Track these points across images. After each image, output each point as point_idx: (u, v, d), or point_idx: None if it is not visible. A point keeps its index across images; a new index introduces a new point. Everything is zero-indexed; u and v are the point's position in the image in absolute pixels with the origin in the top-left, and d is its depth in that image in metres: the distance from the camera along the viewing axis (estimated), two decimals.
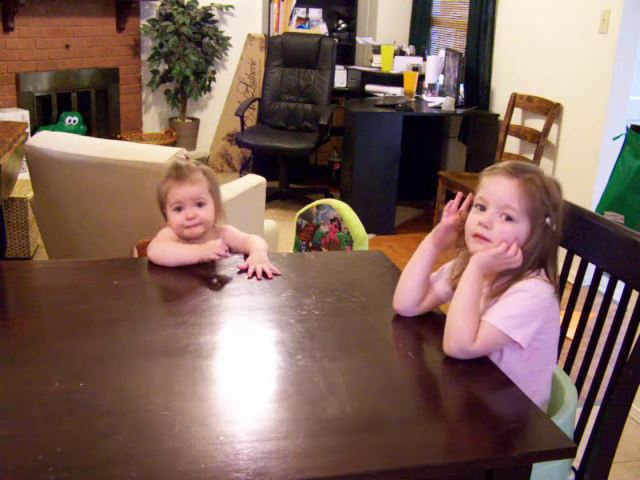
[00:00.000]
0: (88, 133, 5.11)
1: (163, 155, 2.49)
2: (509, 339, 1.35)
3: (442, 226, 1.51)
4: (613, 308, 1.53)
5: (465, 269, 1.41)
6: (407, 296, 1.53)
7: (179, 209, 1.81)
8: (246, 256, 1.82)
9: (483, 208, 1.41)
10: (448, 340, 1.37)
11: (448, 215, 1.50)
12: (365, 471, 1.05)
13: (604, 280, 1.59)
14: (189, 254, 1.76)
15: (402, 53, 5.53)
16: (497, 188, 1.40)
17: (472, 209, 1.45)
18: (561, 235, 1.42)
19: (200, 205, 1.81)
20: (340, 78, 5.73)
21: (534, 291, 1.37)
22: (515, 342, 1.35)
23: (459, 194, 1.51)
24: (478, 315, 1.38)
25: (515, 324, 1.35)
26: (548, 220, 1.39)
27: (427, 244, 1.52)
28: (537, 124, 4.20)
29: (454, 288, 1.45)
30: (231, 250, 1.82)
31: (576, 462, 1.53)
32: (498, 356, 1.40)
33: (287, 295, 1.64)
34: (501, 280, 1.43)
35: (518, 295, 1.37)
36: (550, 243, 1.41)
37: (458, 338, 1.35)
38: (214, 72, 5.82)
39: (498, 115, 4.65)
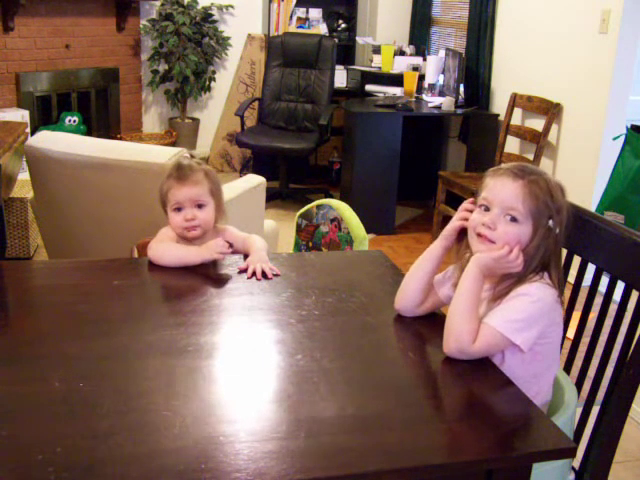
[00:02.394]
0: (88, 133, 5.11)
1: (163, 155, 2.49)
2: (509, 342, 1.35)
3: (452, 228, 1.50)
4: (613, 308, 1.53)
5: (465, 269, 1.41)
6: (410, 297, 1.52)
7: (179, 209, 1.81)
8: (246, 256, 1.82)
9: (487, 209, 1.41)
10: (447, 340, 1.36)
11: (459, 219, 1.49)
12: (365, 471, 1.05)
13: (604, 280, 1.59)
14: (190, 255, 1.76)
15: (402, 53, 5.54)
16: (502, 189, 1.39)
17: (476, 209, 1.44)
18: (564, 239, 1.42)
19: (200, 207, 1.81)
20: (340, 78, 5.73)
21: (537, 295, 1.37)
22: (516, 345, 1.35)
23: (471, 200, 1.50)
24: (477, 316, 1.38)
25: (516, 328, 1.34)
26: (551, 222, 1.38)
27: (437, 247, 1.52)
28: (537, 124, 4.20)
29: None
30: (232, 246, 1.82)
31: (576, 462, 1.53)
32: (500, 359, 1.40)
33: (287, 295, 1.64)
34: (504, 283, 1.42)
35: (520, 299, 1.37)
36: (553, 246, 1.40)
37: (457, 338, 1.35)
38: (214, 72, 5.82)
39: (498, 115, 4.65)
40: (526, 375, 1.39)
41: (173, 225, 1.82)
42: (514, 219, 1.38)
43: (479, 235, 1.41)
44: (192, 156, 1.90)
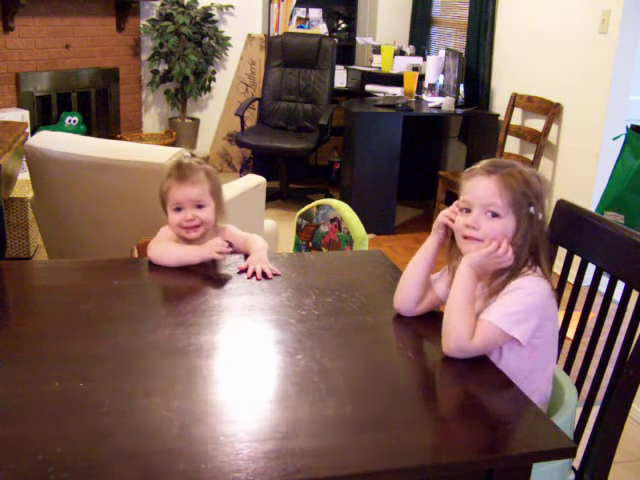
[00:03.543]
0: (88, 133, 5.11)
1: (163, 155, 2.49)
2: (508, 336, 1.36)
3: (440, 222, 1.52)
4: (613, 308, 1.53)
5: (457, 269, 1.42)
6: (408, 295, 1.53)
7: (179, 209, 1.80)
8: (246, 256, 1.82)
9: (468, 210, 1.43)
10: (447, 340, 1.37)
11: (445, 216, 1.51)
12: (365, 471, 1.05)
13: (604, 280, 1.59)
14: (190, 254, 1.75)
15: (402, 53, 5.54)
16: (478, 188, 1.41)
17: (459, 212, 1.46)
18: (547, 226, 1.44)
19: (200, 207, 1.80)
20: (340, 78, 5.73)
21: (531, 288, 1.38)
22: (514, 339, 1.36)
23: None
24: (474, 313, 1.38)
25: (513, 321, 1.35)
26: (532, 209, 1.40)
27: (430, 244, 1.53)
28: (537, 124, 4.20)
29: None
30: (232, 246, 1.81)
31: (576, 462, 1.53)
32: (497, 355, 1.40)
33: (287, 295, 1.64)
34: (498, 279, 1.43)
35: (515, 293, 1.38)
36: (539, 234, 1.42)
37: (456, 337, 1.35)
38: (214, 72, 5.82)
39: (498, 115, 4.65)
40: (524, 371, 1.40)
41: (172, 225, 1.82)
42: (495, 214, 1.40)
43: (465, 237, 1.42)
44: (193, 155, 1.89)
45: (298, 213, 2.75)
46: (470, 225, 1.41)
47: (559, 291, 1.67)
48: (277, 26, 5.85)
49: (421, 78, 5.15)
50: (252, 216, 2.95)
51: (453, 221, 1.47)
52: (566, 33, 3.98)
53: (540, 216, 1.41)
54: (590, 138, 3.79)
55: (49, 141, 2.68)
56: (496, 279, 1.43)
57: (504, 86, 4.63)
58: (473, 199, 1.41)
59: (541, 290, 1.39)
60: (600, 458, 1.46)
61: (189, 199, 1.78)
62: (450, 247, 1.52)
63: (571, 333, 1.72)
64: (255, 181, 2.96)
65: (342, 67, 5.80)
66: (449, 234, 1.52)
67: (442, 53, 5.14)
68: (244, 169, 5.84)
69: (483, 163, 1.45)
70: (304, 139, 5.05)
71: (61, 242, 2.90)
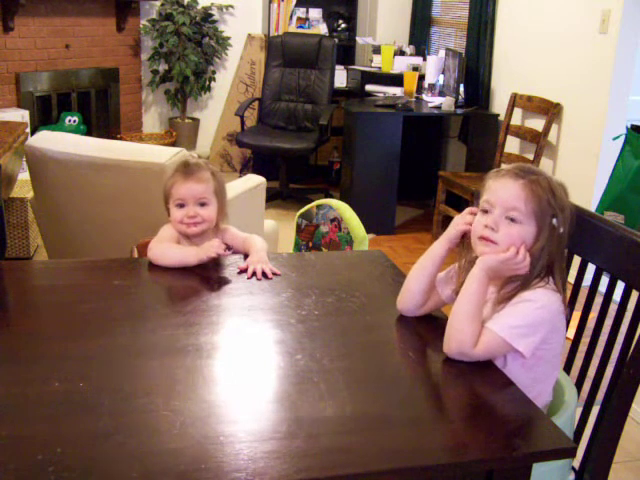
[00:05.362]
0: (88, 133, 5.11)
1: (163, 155, 2.49)
2: (512, 348, 1.34)
3: (458, 231, 1.48)
4: (613, 308, 1.53)
5: (470, 271, 1.41)
6: (413, 298, 1.52)
7: (181, 205, 1.81)
8: (246, 256, 1.82)
9: (489, 211, 1.40)
10: (449, 342, 1.36)
11: (465, 222, 1.47)
12: (365, 471, 1.05)
13: (604, 280, 1.59)
14: (188, 256, 1.75)
15: (402, 53, 5.54)
16: (503, 190, 1.38)
17: (478, 212, 1.43)
18: (567, 239, 1.41)
19: (202, 205, 1.81)
20: (340, 78, 5.73)
21: (541, 302, 1.36)
22: (518, 351, 1.34)
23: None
24: (481, 319, 1.37)
25: (519, 333, 1.33)
26: (555, 221, 1.37)
27: (439, 248, 1.50)
28: (537, 124, 4.20)
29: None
30: (230, 249, 1.82)
31: (576, 462, 1.53)
32: (502, 363, 1.39)
33: (287, 295, 1.64)
34: (509, 287, 1.40)
35: (525, 305, 1.36)
36: (557, 247, 1.39)
37: (459, 340, 1.34)
38: (214, 72, 5.82)
39: (498, 115, 4.65)
40: (527, 380, 1.38)
41: (173, 221, 1.82)
42: (516, 220, 1.37)
43: (481, 238, 1.40)
44: (199, 157, 1.90)
45: (298, 213, 2.75)
46: (489, 226, 1.38)
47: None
48: (277, 26, 5.85)
49: (421, 78, 5.15)
50: (252, 216, 2.95)
51: (471, 223, 1.45)
52: (566, 33, 3.98)
53: (561, 230, 1.38)
54: (590, 138, 3.79)
55: (49, 141, 2.67)
56: (507, 286, 1.41)
57: (504, 86, 4.63)
58: (496, 200, 1.38)
59: (550, 304, 1.36)
60: (600, 458, 1.46)
61: (193, 195, 1.79)
62: (461, 245, 1.49)
63: (571, 333, 1.72)
64: (255, 181, 2.96)
65: (342, 67, 5.80)
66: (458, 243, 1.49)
67: (442, 53, 5.14)
68: (244, 169, 5.84)
69: (512, 166, 1.42)
70: (304, 139, 5.05)
71: (61, 242, 2.90)
